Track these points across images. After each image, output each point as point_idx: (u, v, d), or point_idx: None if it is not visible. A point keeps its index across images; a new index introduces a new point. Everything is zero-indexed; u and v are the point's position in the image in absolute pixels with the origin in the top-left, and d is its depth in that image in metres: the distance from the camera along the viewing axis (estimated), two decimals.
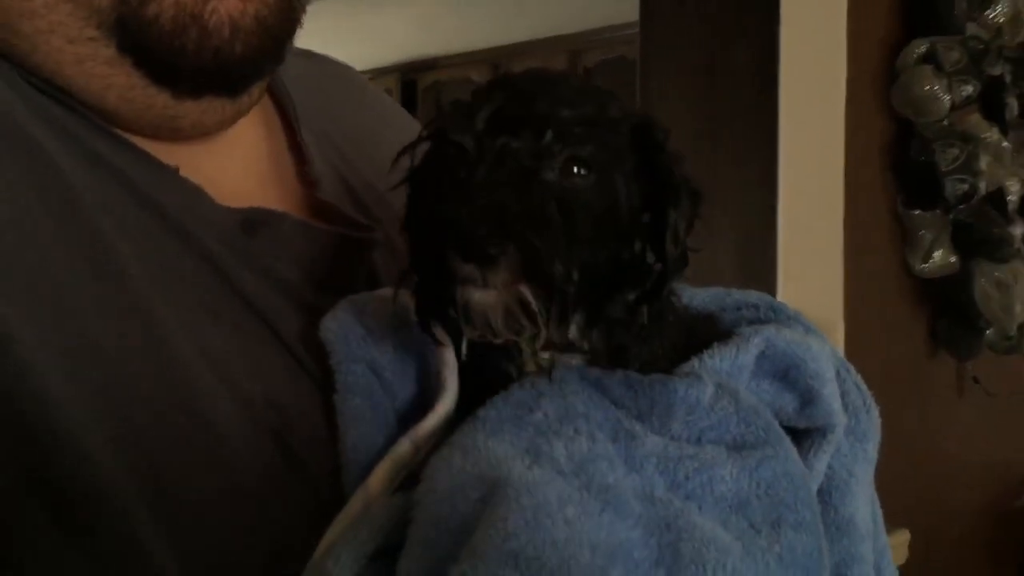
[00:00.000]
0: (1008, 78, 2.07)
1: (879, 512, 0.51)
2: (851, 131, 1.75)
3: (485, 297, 0.40)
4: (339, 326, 0.46)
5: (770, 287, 1.69)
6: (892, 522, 1.93)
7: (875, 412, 0.50)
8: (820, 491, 0.47)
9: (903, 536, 1.76)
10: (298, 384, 0.46)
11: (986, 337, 2.06)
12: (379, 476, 0.43)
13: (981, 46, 1.93)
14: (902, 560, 1.74)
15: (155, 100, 0.47)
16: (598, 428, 0.42)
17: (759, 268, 1.77)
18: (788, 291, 1.63)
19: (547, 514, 0.37)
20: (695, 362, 0.47)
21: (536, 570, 0.36)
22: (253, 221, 0.48)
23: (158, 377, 0.42)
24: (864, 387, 0.50)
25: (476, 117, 0.42)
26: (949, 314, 2.02)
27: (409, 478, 0.43)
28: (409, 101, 4.25)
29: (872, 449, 0.50)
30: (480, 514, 0.38)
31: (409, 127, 0.68)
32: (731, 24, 1.90)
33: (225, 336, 0.45)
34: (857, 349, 1.83)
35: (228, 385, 0.43)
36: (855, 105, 1.77)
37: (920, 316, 2.02)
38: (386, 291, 0.48)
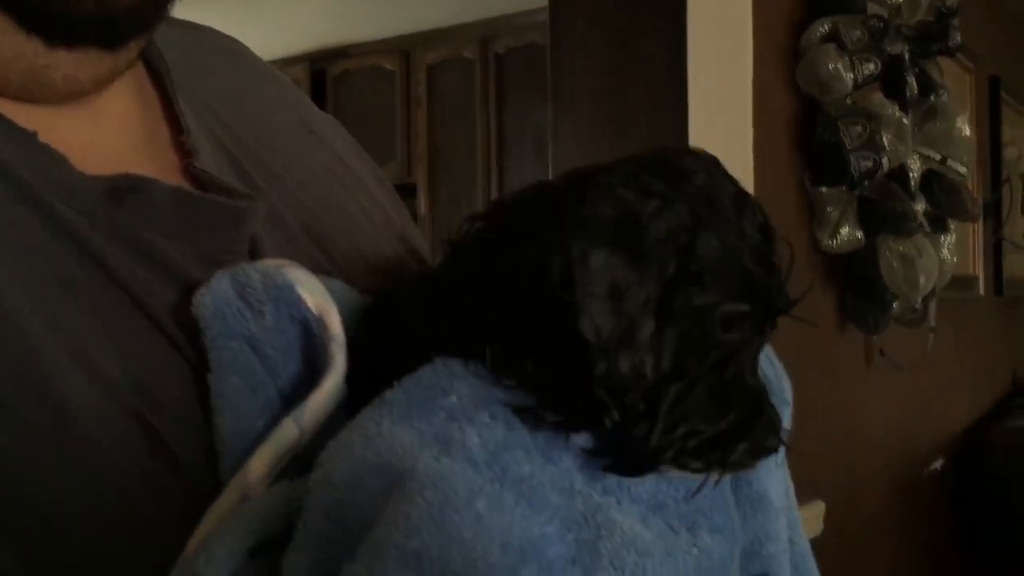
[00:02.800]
0: (907, 56, 2.12)
1: (791, 486, 0.50)
2: (758, 109, 1.77)
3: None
4: (214, 300, 0.42)
5: None
6: (806, 494, 1.97)
7: (787, 384, 0.48)
8: None
9: (817, 507, 1.79)
10: (169, 364, 0.42)
11: (892, 310, 2.12)
12: (259, 462, 0.39)
13: (881, 24, 1.97)
14: (817, 531, 1.77)
15: (24, 48, 0.43)
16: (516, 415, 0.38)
17: None
18: None
19: (455, 509, 0.34)
20: None
21: (440, 571, 0.33)
22: (119, 188, 0.44)
23: None
24: (776, 359, 0.48)
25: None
26: (856, 288, 2.07)
27: (292, 464, 0.40)
28: (318, 91, 4.17)
29: (785, 421, 0.48)
30: (381, 508, 0.35)
31: (301, 101, 0.64)
32: (640, 4, 1.90)
33: (82, 312, 0.41)
34: None
35: (83, 364, 0.39)
36: (762, 83, 1.79)
37: (829, 291, 2.06)
38: (267, 262, 0.45)
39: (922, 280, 2.08)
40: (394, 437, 0.37)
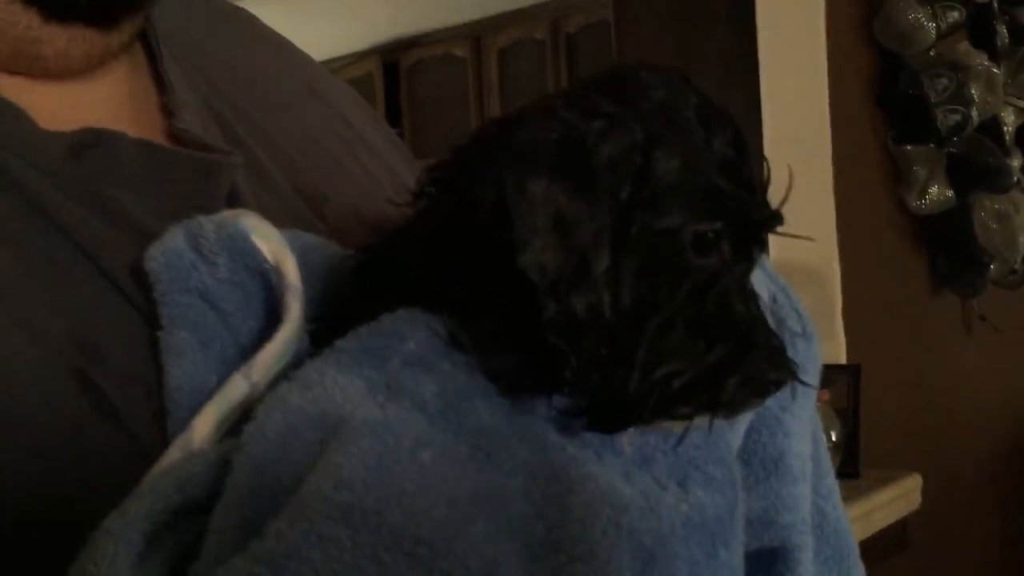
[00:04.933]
0: (996, 3, 2.00)
1: (825, 454, 0.45)
2: (834, 68, 1.69)
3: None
4: (164, 252, 0.39)
5: None
6: (904, 466, 1.86)
7: (815, 341, 0.43)
8: (749, 429, 0.41)
9: (915, 481, 1.71)
10: (122, 321, 0.40)
11: (990, 273, 2.01)
12: (205, 419, 0.37)
13: None
14: (915, 505, 1.69)
15: (19, 18, 0.42)
16: None
17: None
18: (777, 237, 1.58)
19: (396, 459, 0.31)
20: None
21: (374, 527, 0.30)
22: (82, 144, 0.43)
23: None
24: (805, 314, 0.43)
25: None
26: (950, 251, 1.96)
27: (243, 422, 0.37)
28: (392, 83, 4.18)
29: (811, 382, 0.43)
30: (317, 461, 0.32)
31: (307, 65, 0.63)
32: None
33: (30, 271, 0.40)
34: (855, 293, 1.78)
35: (25, 324, 0.38)
36: (837, 41, 1.71)
37: (920, 255, 1.96)
38: (225, 213, 0.42)
39: (1021, 239, 1.96)
40: (337, 385, 0.34)
